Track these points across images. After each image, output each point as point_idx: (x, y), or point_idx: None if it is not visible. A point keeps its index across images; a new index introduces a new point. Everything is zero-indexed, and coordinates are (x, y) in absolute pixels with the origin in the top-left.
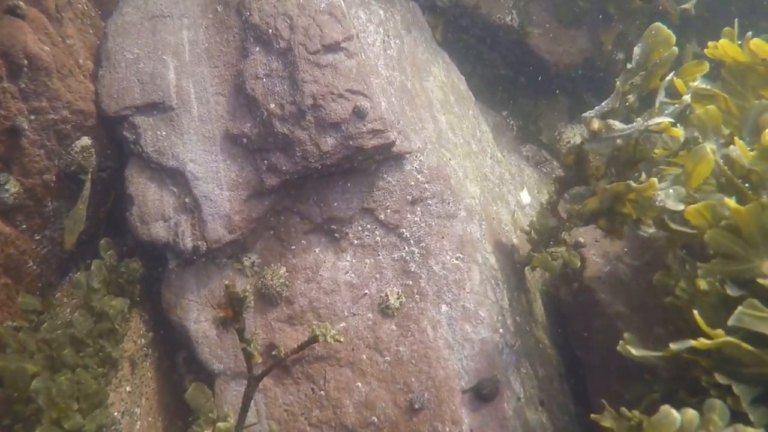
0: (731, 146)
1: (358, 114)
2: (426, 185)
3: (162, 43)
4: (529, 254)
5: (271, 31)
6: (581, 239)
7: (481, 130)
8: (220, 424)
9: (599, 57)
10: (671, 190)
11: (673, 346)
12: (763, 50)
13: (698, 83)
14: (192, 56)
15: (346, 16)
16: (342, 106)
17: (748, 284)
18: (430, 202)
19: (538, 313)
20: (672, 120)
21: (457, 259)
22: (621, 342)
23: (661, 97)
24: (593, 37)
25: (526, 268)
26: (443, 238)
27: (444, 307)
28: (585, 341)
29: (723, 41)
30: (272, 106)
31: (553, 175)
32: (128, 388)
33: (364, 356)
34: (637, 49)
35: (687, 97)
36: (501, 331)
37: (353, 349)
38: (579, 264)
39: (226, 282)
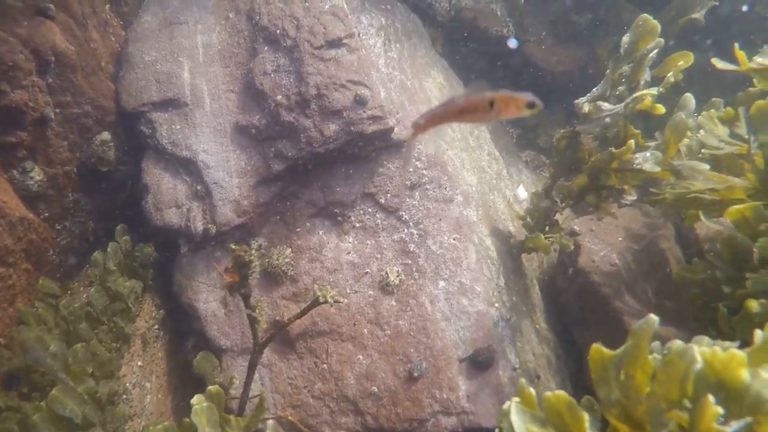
0: None
1: (359, 102)
2: (424, 171)
3: (178, 46)
4: (525, 237)
5: (278, 31)
6: (576, 228)
7: (479, 129)
8: (210, 387)
9: (594, 66)
10: (648, 154)
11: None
12: None
13: (761, 58)
14: (205, 58)
15: (348, 15)
16: (344, 95)
17: None
18: (428, 187)
19: (536, 298)
20: (654, 94)
21: (454, 239)
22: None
23: (645, 75)
24: (588, 47)
25: (523, 256)
26: (441, 220)
27: (441, 283)
28: (581, 323)
29: None
30: (279, 97)
31: (547, 161)
32: (140, 363)
33: (365, 330)
34: (625, 38)
35: (671, 78)
36: (497, 305)
37: (355, 324)
38: (572, 247)
39: (233, 245)
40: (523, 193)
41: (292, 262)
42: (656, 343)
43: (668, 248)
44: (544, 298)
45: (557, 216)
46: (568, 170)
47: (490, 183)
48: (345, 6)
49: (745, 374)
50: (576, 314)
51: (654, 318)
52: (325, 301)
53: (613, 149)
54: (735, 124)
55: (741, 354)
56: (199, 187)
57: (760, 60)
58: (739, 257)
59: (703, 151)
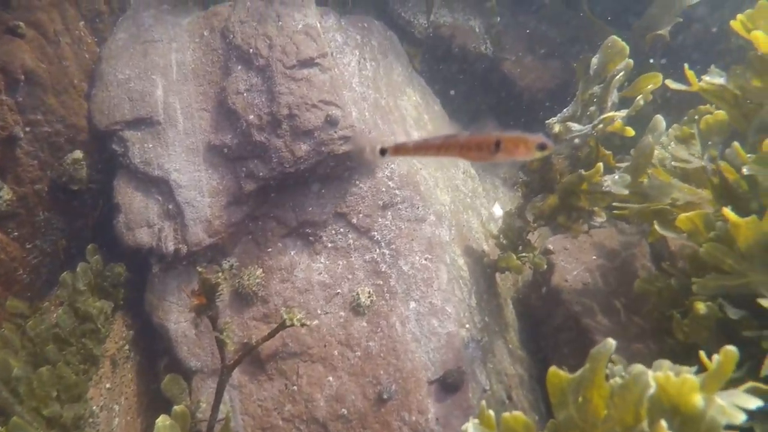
0: (728, 150)
1: (330, 122)
2: (396, 191)
3: (152, 64)
4: (498, 257)
5: (251, 50)
6: (550, 246)
7: None
8: (176, 408)
9: (572, 83)
10: (617, 177)
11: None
12: None
13: (709, 78)
14: (179, 76)
15: (320, 35)
16: (315, 115)
17: (744, 301)
18: (400, 206)
19: (509, 318)
20: (623, 117)
21: (425, 260)
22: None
23: (612, 97)
24: (565, 64)
25: (498, 275)
26: (413, 240)
27: (412, 304)
28: (553, 342)
29: (757, 33)
30: (251, 117)
31: (520, 180)
32: (108, 385)
33: (336, 352)
34: (594, 60)
35: (640, 101)
36: (468, 326)
37: (325, 346)
38: (545, 266)
39: (199, 268)
40: (498, 210)
41: (263, 283)
42: (619, 367)
43: (642, 265)
44: (519, 316)
45: (531, 235)
46: (540, 190)
47: (464, 202)
48: (318, 25)
49: (698, 399)
50: (549, 333)
51: (611, 342)
52: (292, 324)
53: (582, 171)
54: (690, 142)
55: (693, 379)
56: (170, 207)
57: (708, 79)
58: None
59: (673, 164)
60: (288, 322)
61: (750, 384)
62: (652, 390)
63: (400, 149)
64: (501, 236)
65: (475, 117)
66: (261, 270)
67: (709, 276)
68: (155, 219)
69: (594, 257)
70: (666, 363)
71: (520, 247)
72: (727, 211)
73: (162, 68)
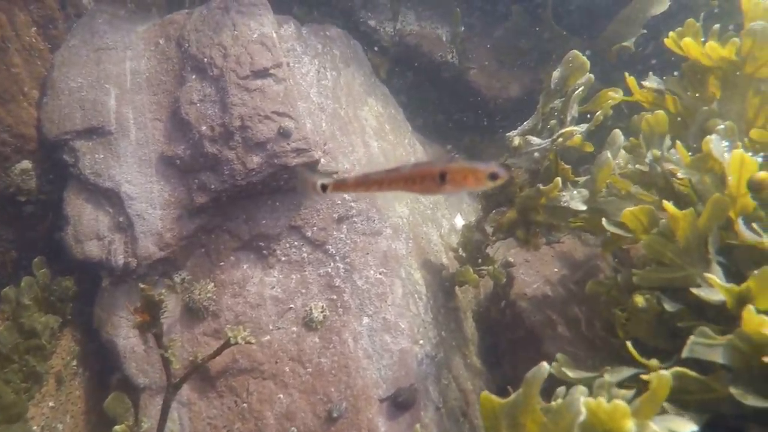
0: (671, 150)
1: (283, 134)
2: (352, 204)
3: (105, 72)
4: (455, 270)
5: (206, 59)
6: (511, 259)
7: (417, 158)
8: (117, 427)
9: (539, 93)
10: (575, 192)
11: (610, 377)
12: (716, 52)
13: (650, 82)
14: (133, 85)
15: (276, 45)
16: (268, 126)
17: (683, 294)
18: (355, 219)
19: (469, 332)
20: (582, 132)
21: (380, 274)
22: (554, 364)
23: (572, 111)
24: (534, 74)
25: (457, 289)
26: (368, 254)
27: (366, 320)
28: (511, 356)
29: (687, 40)
30: (204, 128)
31: (479, 192)
32: (51, 404)
33: (287, 368)
34: (556, 74)
35: (600, 116)
36: (421, 342)
37: (276, 362)
38: (504, 280)
39: (142, 285)
40: (460, 221)
41: (215, 298)
42: (561, 388)
43: (605, 276)
44: (479, 329)
45: (491, 247)
46: (500, 203)
47: (423, 214)
48: (274, 35)
49: (630, 426)
50: (508, 347)
51: (545, 366)
52: (236, 342)
53: (540, 186)
54: (638, 151)
55: (624, 405)
56: (121, 219)
57: (647, 85)
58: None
59: (637, 166)
60: (232, 340)
61: (675, 369)
62: (582, 417)
63: (341, 186)
64: (460, 249)
65: (440, 126)
66: (213, 284)
67: (649, 268)
68: (105, 231)
69: (556, 269)
70: (606, 381)
71: (480, 260)
72: (667, 204)
73: (116, 77)
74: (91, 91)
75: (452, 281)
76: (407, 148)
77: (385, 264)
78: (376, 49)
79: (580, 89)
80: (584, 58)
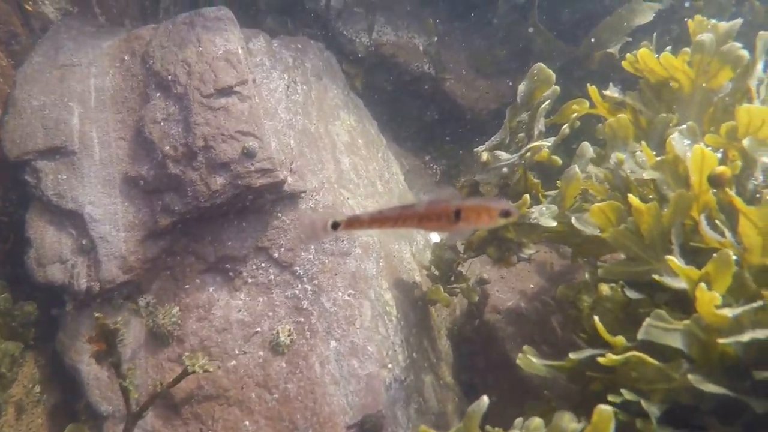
0: (637, 152)
1: (247, 154)
2: None
3: (69, 90)
4: (427, 289)
5: (170, 77)
6: (485, 276)
7: (391, 172)
8: None
9: None
10: (544, 208)
11: (574, 356)
12: (672, 65)
13: (611, 92)
14: (97, 103)
15: (241, 62)
16: (232, 146)
17: (647, 287)
18: (324, 240)
19: (443, 350)
20: (548, 145)
21: (348, 296)
22: (520, 354)
23: (538, 125)
24: (513, 83)
25: (432, 307)
26: (336, 275)
27: (333, 343)
28: (484, 376)
29: (642, 51)
30: (167, 148)
31: None
32: None
33: (253, 394)
34: (522, 87)
35: (566, 129)
36: (390, 366)
37: (242, 388)
38: (477, 298)
39: (96, 314)
40: (436, 237)
41: (179, 322)
42: (519, 419)
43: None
44: (455, 347)
45: (463, 265)
46: None
47: (396, 231)
48: (240, 51)
49: None
50: (481, 367)
51: (485, 401)
52: (194, 371)
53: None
54: (606, 161)
55: None
56: (84, 242)
57: (608, 93)
58: None
59: (601, 169)
60: (190, 369)
61: (632, 354)
62: None
63: (354, 222)
64: (432, 267)
65: (417, 137)
66: (178, 308)
67: (614, 261)
68: (68, 254)
69: (532, 285)
70: (566, 415)
71: (452, 278)
72: (632, 197)
73: (79, 94)
74: (54, 109)
75: (425, 300)
76: (380, 163)
77: (353, 285)
78: (351, 59)
79: (546, 103)
80: (549, 71)
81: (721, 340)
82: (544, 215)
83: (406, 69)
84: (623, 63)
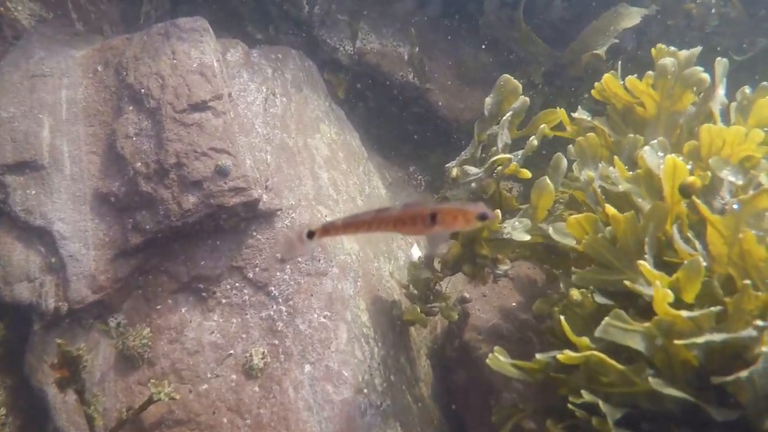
0: (610, 168)
1: (220, 172)
2: None
3: (39, 101)
4: (404, 310)
5: (143, 90)
6: (467, 294)
7: (372, 186)
8: None
9: None
10: (517, 223)
11: (540, 357)
12: (637, 88)
13: (579, 114)
14: (69, 115)
15: (216, 75)
16: (205, 164)
17: (620, 296)
18: (299, 259)
19: (422, 371)
20: (516, 159)
21: (324, 318)
22: (491, 355)
23: (503, 137)
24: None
25: (411, 326)
26: (312, 296)
27: (307, 367)
28: (463, 396)
29: (607, 76)
30: (139, 164)
31: (418, 242)
32: None
33: (225, 419)
34: (488, 100)
35: (533, 141)
36: (366, 391)
37: (214, 413)
38: (456, 318)
39: (58, 341)
40: (417, 252)
41: (150, 344)
42: None
43: None
44: (434, 367)
45: (440, 285)
46: (445, 240)
47: (376, 247)
48: (215, 64)
49: None
50: (461, 388)
51: None
52: (159, 399)
53: None
54: (576, 180)
55: None
56: (53, 260)
57: (576, 116)
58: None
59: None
60: (155, 397)
61: (592, 353)
62: None
63: (329, 229)
64: (410, 286)
65: (401, 148)
66: (149, 329)
67: (589, 269)
68: (37, 273)
69: (514, 303)
70: None
71: (431, 297)
72: (609, 207)
73: (50, 106)
74: (23, 121)
75: (404, 320)
76: (361, 177)
77: (329, 307)
78: (334, 67)
79: (508, 114)
80: (516, 82)
81: (677, 342)
82: (517, 229)
83: (390, 78)
84: (592, 92)
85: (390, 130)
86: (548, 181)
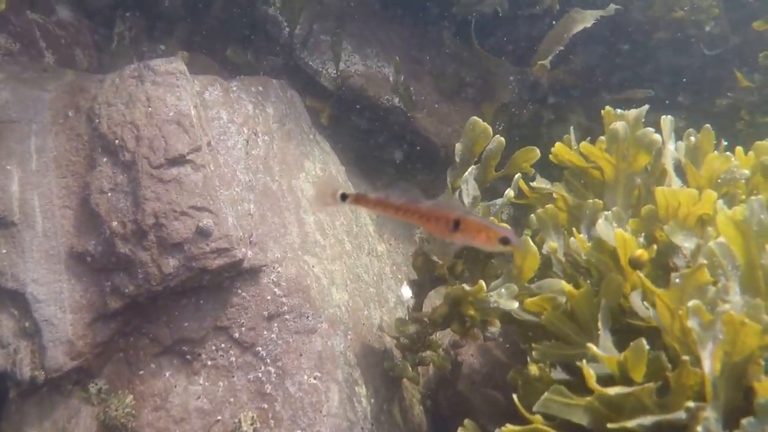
0: (571, 239)
1: (202, 233)
2: (283, 299)
3: (7, 151)
4: (393, 365)
5: (117, 141)
6: (462, 340)
7: (359, 224)
8: None
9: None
10: (503, 290)
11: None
12: (592, 153)
13: (538, 183)
14: (39, 165)
15: (194, 125)
16: (185, 224)
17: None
18: (287, 317)
19: (416, 420)
20: (493, 210)
21: (315, 379)
22: (460, 429)
23: (469, 186)
24: (478, 110)
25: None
26: (301, 355)
27: None
28: None
29: (558, 145)
30: (115, 224)
31: (408, 279)
32: None
33: None
34: (459, 146)
35: (510, 192)
36: None
37: None
38: (449, 367)
39: None
40: (407, 292)
41: (133, 412)
42: None
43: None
44: (428, 415)
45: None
46: (431, 287)
47: (365, 294)
48: (192, 112)
49: None
50: None
51: None
52: None
53: (465, 286)
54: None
55: None
56: (27, 324)
57: (535, 185)
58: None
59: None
60: None
61: (533, 426)
62: None
63: (361, 200)
64: (401, 337)
65: (388, 174)
66: (132, 397)
67: (548, 343)
68: (11, 338)
69: (508, 345)
70: None
71: (421, 346)
72: (564, 283)
73: (19, 156)
74: None
75: (396, 371)
76: (348, 216)
77: (320, 367)
78: (317, 92)
79: (472, 167)
80: (485, 124)
81: (610, 425)
82: (503, 297)
83: (376, 103)
84: (550, 156)
85: (376, 157)
86: (531, 243)
